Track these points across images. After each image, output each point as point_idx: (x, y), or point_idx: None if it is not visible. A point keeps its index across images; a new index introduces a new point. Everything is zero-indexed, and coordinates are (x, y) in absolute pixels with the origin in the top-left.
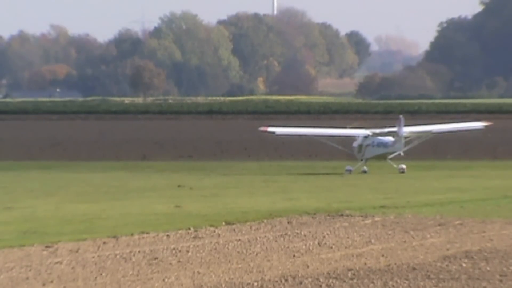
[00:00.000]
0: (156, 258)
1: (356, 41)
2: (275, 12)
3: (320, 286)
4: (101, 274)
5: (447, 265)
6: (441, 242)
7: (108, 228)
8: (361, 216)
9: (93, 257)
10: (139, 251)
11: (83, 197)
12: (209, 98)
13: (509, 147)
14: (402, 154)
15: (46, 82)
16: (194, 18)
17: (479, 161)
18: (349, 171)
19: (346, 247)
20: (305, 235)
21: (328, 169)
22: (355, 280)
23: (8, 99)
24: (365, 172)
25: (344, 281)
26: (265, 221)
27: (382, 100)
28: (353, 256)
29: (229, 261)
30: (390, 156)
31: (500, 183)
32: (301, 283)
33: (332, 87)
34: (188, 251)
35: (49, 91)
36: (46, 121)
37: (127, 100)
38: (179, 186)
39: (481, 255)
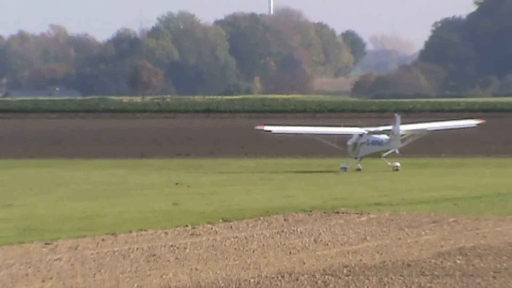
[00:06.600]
0: (154, 255)
1: (352, 40)
2: (272, 12)
3: (316, 282)
4: (99, 271)
5: (441, 262)
6: (435, 239)
7: (107, 225)
8: (357, 213)
9: (92, 254)
10: (137, 248)
11: (82, 195)
12: (207, 97)
13: (503, 145)
14: (397, 152)
15: (45, 81)
16: (191, 18)
17: (473, 159)
18: (344, 168)
19: (341, 244)
20: (301, 232)
21: (323, 167)
22: (350, 277)
23: (8, 98)
24: (359, 170)
25: (340, 278)
26: (261, 218)
27: (377, 99)
28: (348, 253)
29: (226, 258)
30: (385, 154)
31: (494, 181)
32: (297, 279)
33: (328, 86)
34: (185, 248)
35: (48, 90)
36: (46, 119)
37: (125, 99)
38: (176, 183)
39: (475, 252)
